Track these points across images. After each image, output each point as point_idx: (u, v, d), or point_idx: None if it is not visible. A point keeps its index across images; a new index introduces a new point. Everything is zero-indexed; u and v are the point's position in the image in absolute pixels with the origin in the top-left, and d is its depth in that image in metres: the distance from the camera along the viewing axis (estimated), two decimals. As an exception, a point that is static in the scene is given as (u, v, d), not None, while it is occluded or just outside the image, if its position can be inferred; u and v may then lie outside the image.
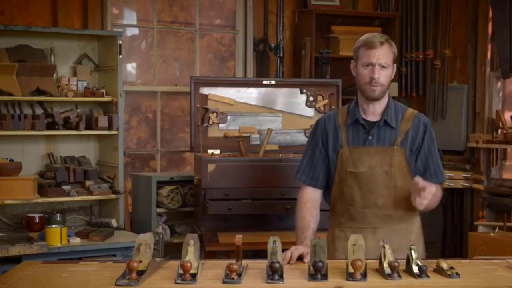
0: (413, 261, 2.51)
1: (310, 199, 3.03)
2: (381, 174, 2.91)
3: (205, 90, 4.90)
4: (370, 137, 2.94)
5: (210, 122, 4.87)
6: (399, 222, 2.94)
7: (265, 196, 4.53)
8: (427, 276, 2.46)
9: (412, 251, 2.53)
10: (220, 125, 4.91)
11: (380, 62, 2.87)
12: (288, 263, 2.68)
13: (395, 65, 2.97)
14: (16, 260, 3.73)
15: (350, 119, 2.97)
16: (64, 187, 4.49)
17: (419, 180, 2.74)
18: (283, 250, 2.59)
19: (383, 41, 2.89)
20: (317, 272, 2.43)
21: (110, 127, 4.59)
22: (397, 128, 2.94)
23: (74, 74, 4.74)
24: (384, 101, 2.97)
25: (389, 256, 2.52)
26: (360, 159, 2.93)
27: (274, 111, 5.02)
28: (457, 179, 5.71)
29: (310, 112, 5.04)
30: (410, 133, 2.94)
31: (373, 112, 2.96)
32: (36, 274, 2.51)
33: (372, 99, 2.93)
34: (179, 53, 5.73)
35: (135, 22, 5.57)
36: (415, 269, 2.48)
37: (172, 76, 5.72)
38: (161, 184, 4.92)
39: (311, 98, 5.05)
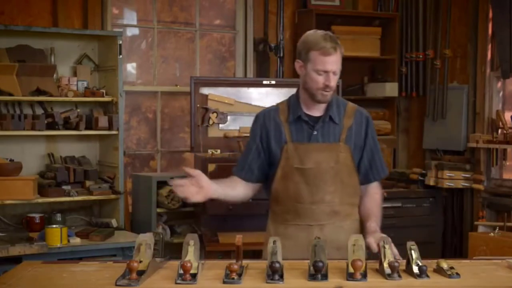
0: (413, 261, 2.51)
1: (238, 185, 2.97)
2: (328, 170, 2.87)
3: (205, 90, 4.90)
4: (315, 132, 2.90)
5: (210, 122, 4.87)
6: (345, 219, 2.92)
7: (265, 196, 4.51)
8: (427, 276, 2.47)
9: (412, 251, 2.53)
10: (220, 125, 4.91)
11: (334, 69, 2.83)
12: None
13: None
14: (16, 260, 3.73)
15: (292, 116, 2.93)
16: (64, 187, 4.49)
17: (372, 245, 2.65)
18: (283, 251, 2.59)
19: (335, 46, 2.83)
20: (317, 272, 2.43)
21: (110, 127, 4.60)
22: (340, 124, 2.92)
23: (74, 74, 4.75)
24: None
25: (389, 256, 2.52)
26: (306, 155, 2.88)
27: (274, 111, 5.02)
28: (457, 179, 5.71)
29: (310, 112, 5.03)
30: (353, 129, 2.92)
31: (317, 107, 2.92)
32: (36, 274, 2.51)
33: (323, 103, 2.90)
34: (179, 53, 5.73)
35: (135, 22, 5.57)
36: (415, 269, 2.48)
37: (172, 76, 5.72)
38: (161, 184, 4.93)
39: (311, 98, 5.04)
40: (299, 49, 2.93)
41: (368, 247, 2.64)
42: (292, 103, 2.97)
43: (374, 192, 3.00)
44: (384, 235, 2.67)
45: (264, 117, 2.99)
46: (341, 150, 2.88)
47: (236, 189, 2.96)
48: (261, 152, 2.95)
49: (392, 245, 2.61)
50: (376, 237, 2.67)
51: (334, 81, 2.85)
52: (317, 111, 2.92)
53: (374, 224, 2.82)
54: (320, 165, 2.87)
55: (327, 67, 2.82)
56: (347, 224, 2.93)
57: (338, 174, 2.88)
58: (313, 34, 2.89)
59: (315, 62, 2.84)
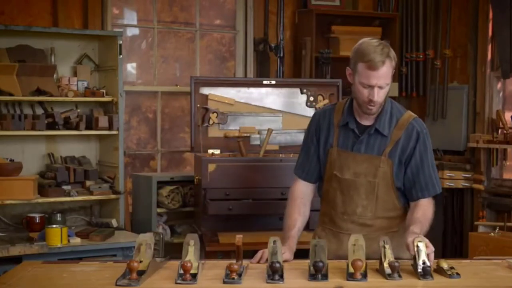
0: (419, 260, 2.50)
1: (301, 195, 2.96)
2: (364, 183, 2.82)
3: (205, 90, 4.90)
4: (359, 143, 2.84)
5: (210, 122, 4.87)
6: (377, 231, 2.86)
7: (265, 196, 4.53)
8: (431, 277, 2.45)
9: (422, 252, 2.52)
10: (220, 125, 4.91)
11: (380, 84, 2.72)
12: (258, 262, 2.66)
13: (393, 70, 2.80)
14: (16, 260, 3.73)
15: (343, 121, 2.87)
16: (65, 187, 4.49)
17: (410, 247, 2.57)
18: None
19: (384, 60, 2.70)
20: (318, 272, 2.43)
21: (110, 127, 4.60)
22: (389, 136, 2.82)
23: (75, 74, 4.75)
24: None
25: (389, 256, 2.52)
26: (346, 165, 2.84)
27: (274, 111, 5.02)
28: (457, 179, 5.71)
29: (310, 112, 5.02)
30: (401, 142, 2.82)
31: (367, 117, 2.84)
32: (36, 274, 2.52)
33: (368, 115, 2.83)
34: (179, 53, 5.73)
35: (135, 22, 5.57)
36: (420, 268, 2.48)
37: (172, 76, 5.72)
38: (161, 184, 4.93)
39: (311, 98, 5.05)
40: (351, 56, 2.81)
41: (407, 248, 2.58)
42: (347, 107, 2.88)
43: (425, 205, 2.83)
44: (422, 237, 2.57)
45: (319, 117, 2.95)
46: (381, 164, 2.80)
47: (307, 206, 2.96)
48: (319, 153, 2.93)
49: (426, 251, 2.53)
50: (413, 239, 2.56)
51: (379, 96, 2.73)
52: (367, 121, 2.84)
53: (416, 229, 2.67)
54: (357, 178, 2.82)
55: (372, 81, 2.71)
56: (382, 235, 2.80)
57: (375, 189, 2.82)
58: (366, 43, 2.77)
59: (361, 75, 2.73)
